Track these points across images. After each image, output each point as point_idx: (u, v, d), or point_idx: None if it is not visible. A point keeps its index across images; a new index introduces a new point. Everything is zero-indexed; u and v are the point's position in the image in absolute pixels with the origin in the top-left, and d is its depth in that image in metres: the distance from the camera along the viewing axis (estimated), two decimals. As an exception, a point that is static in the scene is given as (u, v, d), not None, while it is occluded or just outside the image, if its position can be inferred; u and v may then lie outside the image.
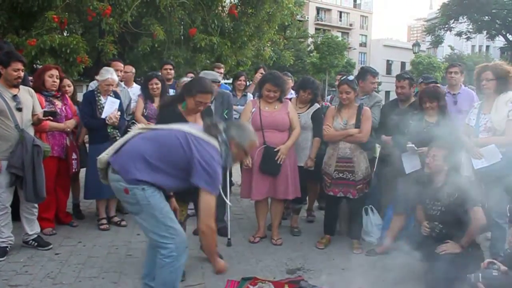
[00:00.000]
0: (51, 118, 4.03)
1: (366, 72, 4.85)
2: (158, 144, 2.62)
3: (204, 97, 3.32)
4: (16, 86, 3.80)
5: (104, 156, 2.68)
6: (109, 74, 4.56)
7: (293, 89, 5.41)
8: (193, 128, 2.71)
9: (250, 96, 5.80)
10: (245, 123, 2.96)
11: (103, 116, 4.51)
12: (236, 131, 2.73)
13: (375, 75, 4.92)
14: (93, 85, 5.06)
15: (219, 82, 4.52)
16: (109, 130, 4.52)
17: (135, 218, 2.74)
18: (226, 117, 4.48)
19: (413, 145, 3.81)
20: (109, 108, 4.56)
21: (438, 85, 4.63)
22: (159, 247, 2.61)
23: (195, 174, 2.53)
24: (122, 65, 5.39)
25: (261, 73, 6.05)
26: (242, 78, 6.02)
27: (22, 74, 3.80)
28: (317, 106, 4.63)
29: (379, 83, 42.41)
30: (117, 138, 4.53)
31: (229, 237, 4.23)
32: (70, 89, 4.81)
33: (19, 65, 3.75)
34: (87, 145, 5.16)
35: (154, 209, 2.57)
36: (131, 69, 5.78)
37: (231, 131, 2.72)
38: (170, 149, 2.59)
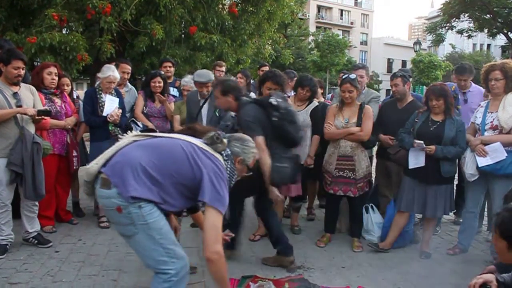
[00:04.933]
0: (45, 118, 3.98)
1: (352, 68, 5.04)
2: (160, 154, 2.26)
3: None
4: (17, 84, 3.80)
5: (94, 166, 2.28)
6: (111, 71, 4.56)
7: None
8: (196, 140, 2.39)
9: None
10: (245, 136, 2.64)
11: (104, 113, 4.52)
12: (240, 147, 2.51)
13: (359, 68, 4.93)
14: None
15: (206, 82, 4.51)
16: (110, 128, 4.53)
17: (128, 243, 2.32)
18: (218, 115, 4.47)
19: (422, 142, 3.80)
20: (110, 106, 4.55)
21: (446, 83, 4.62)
22: (157, 273, 2.27)
23: (203, 190, 2.23)
24: (129, 67, 5.36)
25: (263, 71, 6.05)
26: (239, 75, 6.00)
27: (22, 72, 3.79)
28: (315, 103, 4.62)
29: (380, 81, 42.55)
30: (119, 135, 4.53)
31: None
32: (68, 88, 4.80)
33: (20, 63, 3.74)
34: (87, 143, 5.17)
35: (152, 230, 2.20)
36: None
37: (235, 146, 2.49)
38: (175, 160, 2.25)
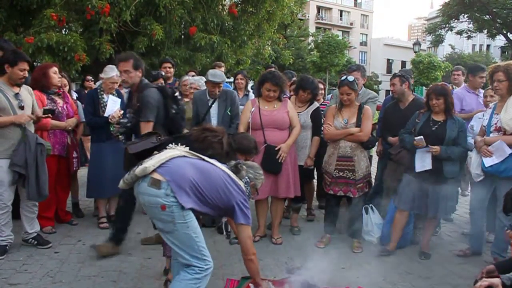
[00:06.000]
0: (51, 116, 4.03)
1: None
2: (207, 178, 2.56)
3: None
4: (19, 85, 3.81)
5: (151, 167, 2.49)
6: (114, 72, 4.56)
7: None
8: (226, 168, 2.71)
9: (252, 96, 5.78)
10: (255, 164, 3.01)
11: (105, 114, 4.52)
12: (254, 173, 2.88)
13: (353, 70, 4.96)
14: (98, 84, 5.08)
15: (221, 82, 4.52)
16: (111, 129, 4.52)
17: (164, 236, 2.58)
18: (230, 114, 4.48)
19: (421, 137, 3.82)
20: (112, 106, 4.55)
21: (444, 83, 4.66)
22: (189, 265, 2.53)
23: (235, 214, 2.65)
24: None
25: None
26: (239, 76, 6.00)
27: (27, 74, 3.83)
28: (316, 105, 4.64)
29: (379, 82, 42.52)
30: (120, 136, 4.53)
31: (229, 230, 4.19)
32: (66, 88, 4.81)
33: (25, 65, 3.78)
34: (89, 144, 5.17)
35: (190, 229, 2.49)
36: None
37: (250, 173, 2.86)
38: (216, 187, 2.57)
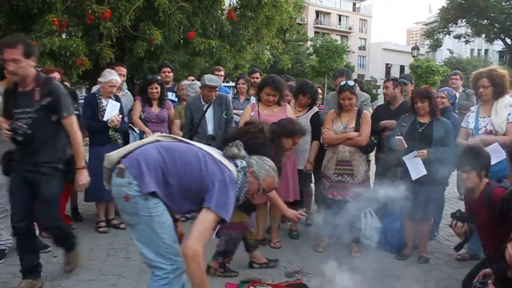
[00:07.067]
0: None
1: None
2: (176, 156, 2.34)
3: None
4: None
5: (115, 155, 2.37)
6: (112, 75, 4.58)
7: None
8: (214, 150, 2.49)
9: (253, 100, 5.79)
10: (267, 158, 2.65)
11: (104, 118, 4.53)
12: (256, 159, 2.54)
13: (338, 77, 4.96)
14: (95, 88, 5.07)
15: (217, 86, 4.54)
16: (110, 133, 4.53)
17: (130, 232, 2.41)
18: (226, 117, 4.49)
19: (401, 137, 3.89)
20: (111, 111, 4.57)
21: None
22: (153, 267, 2.32)
23: (210, 196, 2.27)
24: (125, 70, 5.38)
25: (256, 78, 6.09)
26: (241, 81, 6.01)
27: None
28: (315, 109, 4.66)
29: (378, 86, 42.60)
30: (118, 141, 4.54)
31: None
32: None
33: None
34: (85, 147, 5.16)
35: (155, 223, 2.26)
36: None
37: (251, 158, 2.53)
38: (187, 164, 2.33)
